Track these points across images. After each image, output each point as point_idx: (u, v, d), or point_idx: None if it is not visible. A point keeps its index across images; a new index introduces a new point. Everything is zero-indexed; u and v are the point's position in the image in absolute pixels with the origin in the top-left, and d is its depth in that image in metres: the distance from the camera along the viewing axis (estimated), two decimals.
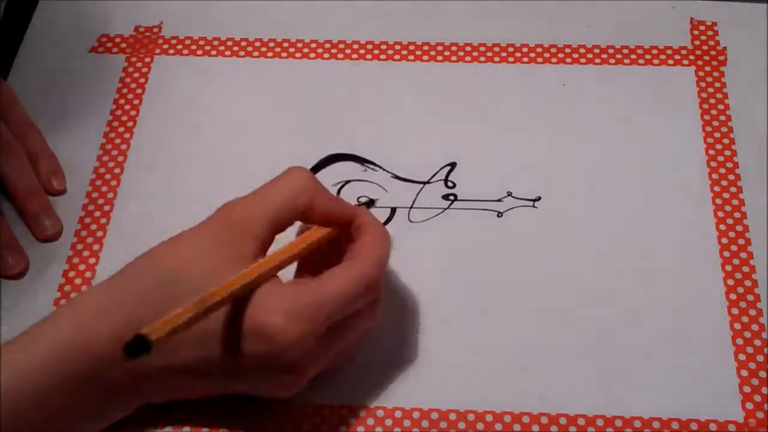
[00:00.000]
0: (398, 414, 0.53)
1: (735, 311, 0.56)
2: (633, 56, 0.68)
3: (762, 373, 0.54)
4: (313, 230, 0.52)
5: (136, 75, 0.69)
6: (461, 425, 0.53)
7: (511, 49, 0.69)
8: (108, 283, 0.50)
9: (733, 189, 0.61)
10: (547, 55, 0.68)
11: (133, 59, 0.69)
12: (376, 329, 0.56)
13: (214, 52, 0.70)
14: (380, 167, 0.63)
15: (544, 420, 0.53)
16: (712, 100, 0.65)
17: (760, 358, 0.54)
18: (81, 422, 0.49)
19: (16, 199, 0.62)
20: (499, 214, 0.61)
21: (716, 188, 0.61)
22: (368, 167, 0.63)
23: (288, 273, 0.52)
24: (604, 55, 0.68)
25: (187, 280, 0.48)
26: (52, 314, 0.48)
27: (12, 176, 0.62)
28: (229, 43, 0.70)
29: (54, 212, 0.62)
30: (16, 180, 0.62)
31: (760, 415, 0.53)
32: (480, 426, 0.53)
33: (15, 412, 0.45)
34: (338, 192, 0.62)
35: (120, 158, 0.64)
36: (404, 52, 0.69)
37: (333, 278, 0.48)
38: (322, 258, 0.52)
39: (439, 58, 0.69)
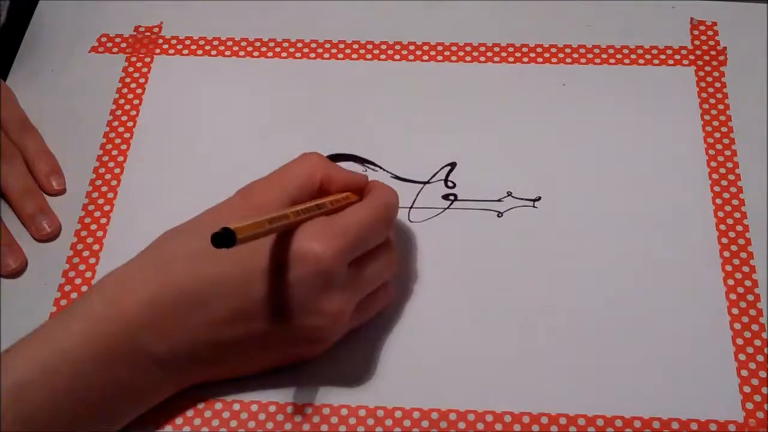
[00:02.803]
0: (398, 414, 0.53)
1: (735, 311, 0.56)
2: (633, 56, 0.68)
3: (762, 373, 0.54)
4: (340, 195, 0.55)
5: (136, 75, 0.69)
6: (461, 425, 0.53)
7: (511, 49, 0.69)
8: (132, 260, 0.52)
9: (733, 189, 0.61)
10: (547, 55, 0.68)
11: (133, 59, 0.69)
12: (370, 329, 0.56)
13: (214, 52, 0.70)
14: (380, 167, 0.63)
15: (544, 420, 0.53)
16: (712, 100, 0.65)
17: (760, 358, 0.54)
18: (120, 402, 0.50)
19: (12, 202, 0.62)
20: (499, 214, 0.61)
21: (716, 188, 0.61)
22: (368, 167, 0.63)
23: None
24: (604, 55, 0.68)
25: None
26: (83, 294, 0.51)
27: (7, 178, 0.62)
28: (229, 43, 0.70)
29: (51, 212, 0.62)
30: (12, 182, 0.62)
31: (760, 415, 0.53)
32: (480, 426, 0.53)
33: (54, 389, 0.47)
34: None
35: (120, 158, 0.64)
36: (404, 52, 0.69)
37: (353, 210, 0.52)
38: None
39: (439, 58, 0.69)
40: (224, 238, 0.44)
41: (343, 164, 0.63)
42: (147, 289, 0.49)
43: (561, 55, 0.68)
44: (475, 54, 0.69)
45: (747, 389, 0.53)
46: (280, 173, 0.53)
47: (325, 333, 0.52)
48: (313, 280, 0.49)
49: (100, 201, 0.62)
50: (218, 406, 0.54)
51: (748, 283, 0.57)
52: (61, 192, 0.63)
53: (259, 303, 0.50)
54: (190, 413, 0.53)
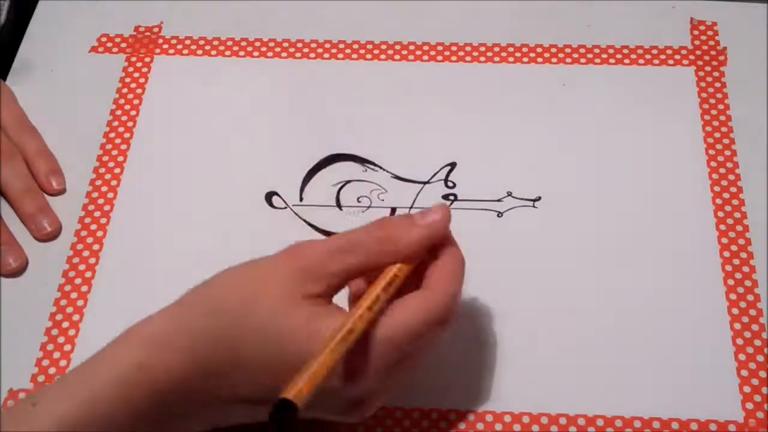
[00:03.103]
0: (399, 414, 0.53)
1: (735, 311, 0.56)
2: (633, 56, 0.68)
3: (762, 373, 0.54)
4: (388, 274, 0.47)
5: (136, 75, 0.69)
6: (461, 425, 0.53)
7: (511, 49, 0.69)
8: (166, 313, 0.47)
9: (733, 189, 0.61)
10: (547, 55, 0.68)
11: (133, 59, 0.69)
12: None
13: (214, 52, 0.70)
14: (380, 167, 0.63)
15: (544, 420, 0.53)
16: (712, 100, 0.65)
17: (760, 358, 0.54)
18: None
19: (13, 201, 0.62)
20: (499, 214, 0.61)
21: (716, 188, 0.61)
22: (368, 167, 0.63)
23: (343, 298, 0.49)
24: (604, 55, 0.68)
25: (249, 314, 0.45)
26: (113, 344, 0.46)
27: (7, 179, 0.62)
28: (229, 43, 0.70)
29: (52, 211, 0.62)
30: (12, 182, 0.62)
31: (760, 415, 0.53)
32: (480, 426, 0.53)
33: None
34: (338, 192, 0.62)
35: (120, 158, 0.64)
36: (404, 52, 0.69)
37: (404, 310, 0.45)
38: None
39: (439, 58, 0.69)
40: (284, 411, 0.39)
41: (343, 164, 0.63)
42: (179, 362, 0.44)
43: (561, 55, 0.68)
44: (475, 54, 0.69)
45: (747, 389, 0.53)
46: (345, 238, 0.47)
47: (356, 416, 0.47)
48: (334, 394, 0.45)
49: (100, 201, 0.62)
50: None
51: (748, 283, 0.57)
52: (61, 191, 0.63)
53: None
54: None
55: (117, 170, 0.64)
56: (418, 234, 0.47)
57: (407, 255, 0.47)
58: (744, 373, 0.54)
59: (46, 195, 0.63)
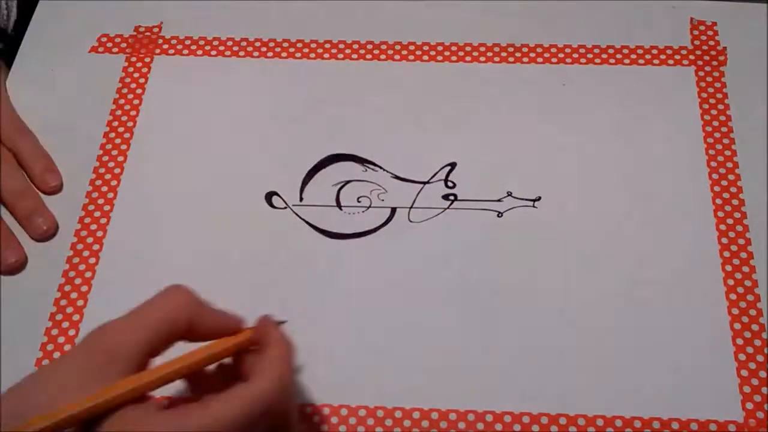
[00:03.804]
0: (398, 414, 0.53)
1: (735, 311, 0.56)
2: (633, 56, 0.68)
3: (762, 373, 0.54)
4: (197, 349, 0.46)
5: (136, 75, 0.69)
6: (461, 425, 0.53)
7: (511, 49, 0.69)
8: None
9: (733, 189, 0.61)
10: (547, 55, 0.68)
11: (133, 59, 0.69)
12: (370, 330, 0.56)
13: (214, 52, 0.70)
14: (380, 167, 0.63)
15: (544, 420, 0.53)
16: (712, 100, 0.65)
17: (760, 358, 0.55)
18: None
19: (8, 204, 0.62)
20: (499, 214, 0.61)
21: (716, 188, 0.61)
22: (368, 167, 0.63)
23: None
24: (604, 55, 0.68)
25: None
26: None
27: (2, 183, 0.62)
28: (229, 43, 0.70)
29: (47, 210, 0.62)
30: (7, 184, 0.62)
31: (760, 415, 0.53)
32: (480, 426, 0.53)
33: None
34: (338, 192, 0.62)
35: (120, 158, 0.64)
36: (404, 52, 0.69)
37: (217, 402, 0.43)
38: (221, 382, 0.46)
39: (439, 58, 0.69)
40: None
41: (343, 164, 0.63)
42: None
43: (561, 55, 0.68)
44: (475, 54, 0.69)
45: (747, 389, 0.53)
46: (137, 312, 0.45)
47: None
48: None
49: (100, 201, 0.62)
50: None
51: (748, 283, 0.57)
52: (58, 189, 0.63)
53: None
54: None
55: (117, 170, 0.64)
56: (216, 319, 0.47)
57: (206, 336, 0.46)
58: (744, 373, 0.54)
59: (44, 195, 0.63)
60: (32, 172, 0.63)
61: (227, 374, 0.48)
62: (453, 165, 0.63)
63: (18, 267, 0.59)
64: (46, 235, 0.61)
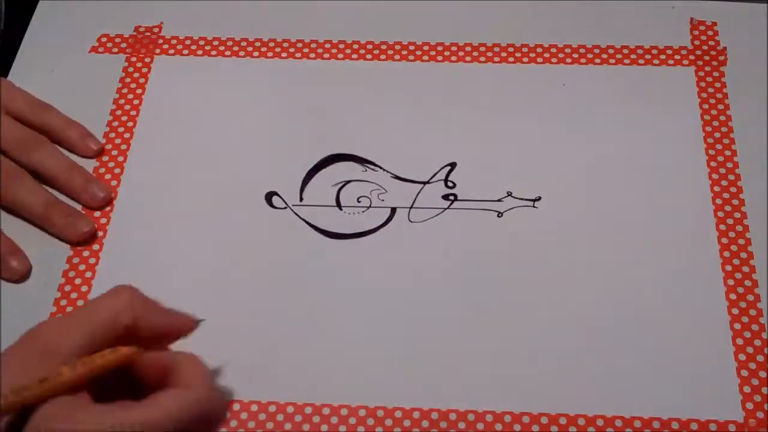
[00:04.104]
0: (398, 414, 0.53)
1: (735, 311, 0.56)
2: (633, 56, 0.68)
3: (762, 373, 0.54)
4: (113, 351, 0.45)
5: (136, 75, 0.69)
6: (461, 425, 0.53)
7: (511, 49, 0.69)
8: None
9: (733, 189, 0.61)
10: (547, 55, 0.68)
11: (133, 59, 0.69)
12: (370, 330, 0.56)
13: (214, 52, 0.70)
14: (380, 167, 0.63)
15: (544, 420, 0.53)
16: (712, 100, 0.65)
17: (760, 358, 0.54)
18: None
19: (59, 182, 0.62)
20: (499, 214, 0.61)
21: (716, 188, 0.61)
22: (368, 167, 0.63)
23: None
24: (604, 55, 0.68)
25: None
26: None
27: (45, 164, 0.62)
28: (229, 43, 0.70)
29: (99, 180, 0.62)
30: (51, 165, 0.62)
31: (760, 415, 0.53)
32: (480, 426, 0.53)
33: None
34: (338, 192, 0.62)
35: (120, 158, 0.64)
36: (404, 52, 0.69)
37: (134, 410, 0.43)
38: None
39: (439, 58, 0.69)
40: None
41: (343, 164, 0.63)
42: None
43: (561, 55, 0.68)
44: (475, 54, 0.69)
45: (747, 389, 0.53)
46: (80, 310, 0.46)
47: None
48: None
49: None
50: None
51: (748, 283, 0.57)
52: (101, 151, 0.64)
53: None
54: None
55: (117, 170, 0.64)
56: (161, 321, 0.47)
57: (150, 338, 0.46)
58: (744, 373, 0.54)
59: (87, 160, 0.63)
60: (72, 141, 0.64)
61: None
62: (453, 165, 0.63)
63: (23, 277, 0.59)
64: (104, 202, 0.62)
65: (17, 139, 0.62)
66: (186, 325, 0.48)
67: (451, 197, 0.62)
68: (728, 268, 0.58)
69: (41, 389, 0.42)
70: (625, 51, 0.68)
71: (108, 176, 0.63)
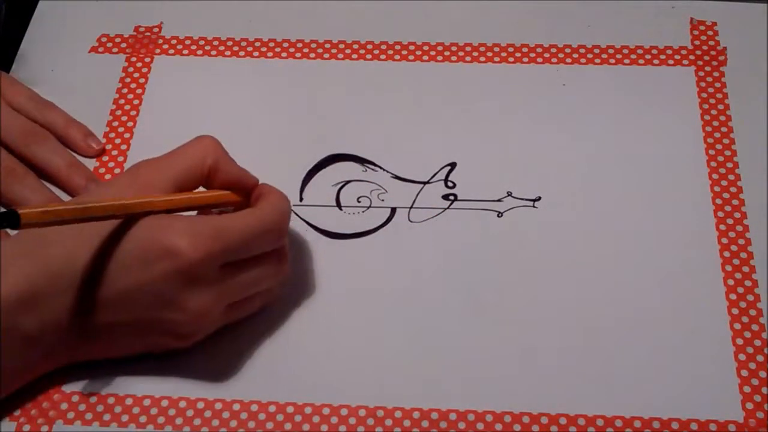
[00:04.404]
0: (398, 414, 0.53)
1: (735, 311, 0.56)
2: (633, 56, 0.68)
3: (762, 373, 0.54)
4: (214, 191, 0.54)
5: (136, 75, 0.69)
6: (461, 425, 0.53)
7: (511, 49, 0.69)
8: (8, 240, 0.52)
9: (733, 189, 0.61)
10: (547, 55, 0.68)
11: (133, 59, 0.69)
12: (370, 330, 0.56)
13: (214, 52, 0.70)
14: (380, 167, 0.63)
15: (544, 420, 0.53)
16: (712, 100, 0.65)
17: (760, 358, 0.54)
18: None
19: (59, 179, 0.62)
20: (499, 214, 0.61)
21: (716, 188, 0.61)
22: (368, 167, 0.63)
23: None
24: (604, 55, 0.68)
25: None
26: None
27: (47, 159, 0.62)
28: (229, 43, 0.70)
29: (100, 181, 0.62)
30: (53, 161, 0.62)
31: (760, 415, 0.53)
32: (480, 426, 0.53)
33: None
34: (338, 192, 0.62)
35: (120, 158, 0.64)
36: (404, 52, 0.69)
37: (240, 216, 0.52)
38: None
39: (439, 58, 0.69)
40: (9, 220, 0.44)
41: (343, 164, 0.63)
42: (22, 272, 0.49)
43: (561, 55, 0.68)
44: (475, 54, 0.69)
45: (747, 389, 0.53)
46: (172, 154, 0.54)
47: (187, 329, 0.52)
48: (176, 277, 0.49)
49: None
50: (218, 406, 0.53)
51: (748, 283, 0.57)
52: (101, 151, 0.64)
53: (122, 292, 0.50)
54: (189, 413, 0.53)
55: (117, 170, 0.64)
56: (235, 170, 0.55)
57: (224, 183, 0.54)
58: (744, 373, 0.54)
59: (87, 159, 0.63)
60: (74, 140, 0.64)
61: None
62: (453, 165, 0.63)
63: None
64: None
65: (20, 131, 0.62)
66: (251, 180, 0.55)
67: (451, 197, 0.62)
68: (728, 268, 0.58)
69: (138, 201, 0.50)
70: (625, 51, 0.68)
71: (108, 176, 0.63)
